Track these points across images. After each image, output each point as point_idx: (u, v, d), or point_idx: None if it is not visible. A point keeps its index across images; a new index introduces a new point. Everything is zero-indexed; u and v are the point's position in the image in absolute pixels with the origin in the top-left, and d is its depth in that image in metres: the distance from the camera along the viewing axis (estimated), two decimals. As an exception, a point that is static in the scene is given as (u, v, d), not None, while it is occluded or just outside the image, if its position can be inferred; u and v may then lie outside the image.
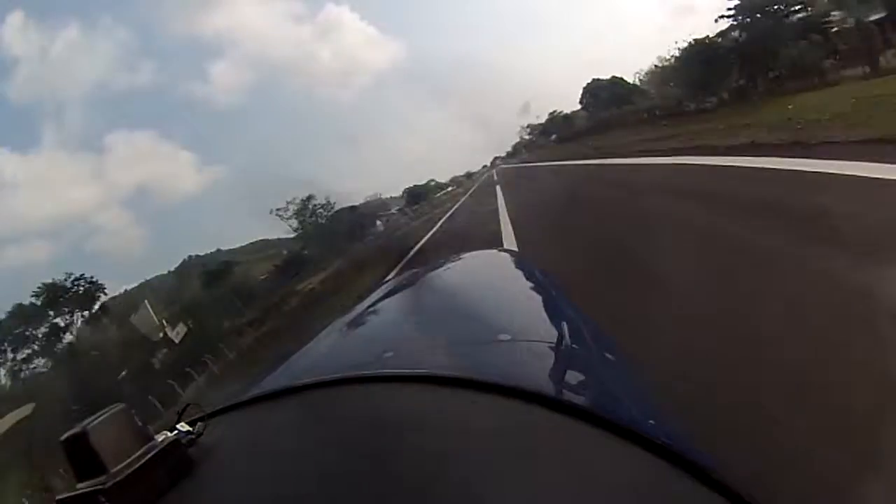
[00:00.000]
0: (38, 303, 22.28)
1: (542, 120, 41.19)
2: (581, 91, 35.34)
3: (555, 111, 39.51)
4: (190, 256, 29.16)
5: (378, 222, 34.24)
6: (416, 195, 38.55)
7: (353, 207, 33.67)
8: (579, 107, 36.58)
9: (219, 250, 30.35)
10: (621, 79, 33.30)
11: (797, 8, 17.50)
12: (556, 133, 39.27)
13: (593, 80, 34.88)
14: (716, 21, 19.14)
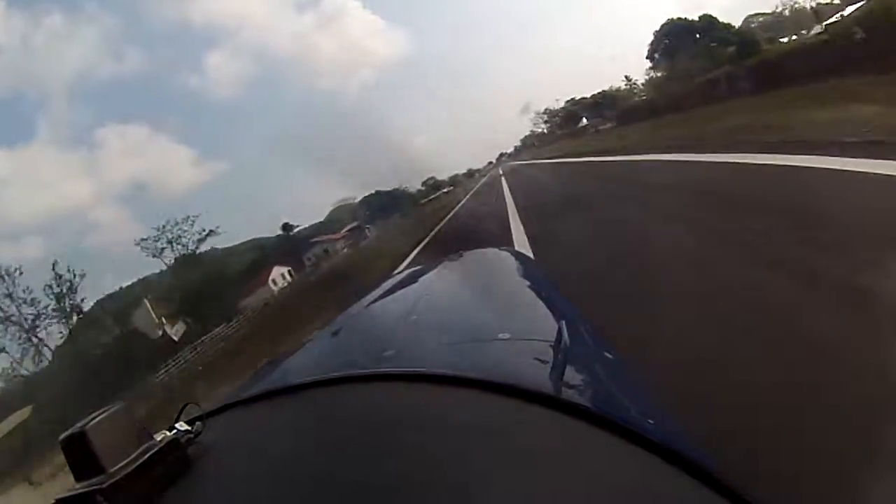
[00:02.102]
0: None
1: (560, 104, 31.42)
2: (650, 43, 23.01)
3: (573, 98, 30.14)
4: (184, 255, 28.21)
5: (276, 276, 20.67)
6: (384, 206, 23.57)
7: (287, 226, 22.36)
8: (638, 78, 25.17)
9: (213, 248, 29.32)
10: (715, 18, 20.70)
11: None
12: (590, 115, 29.12)
13: (671, 20, 22.78)
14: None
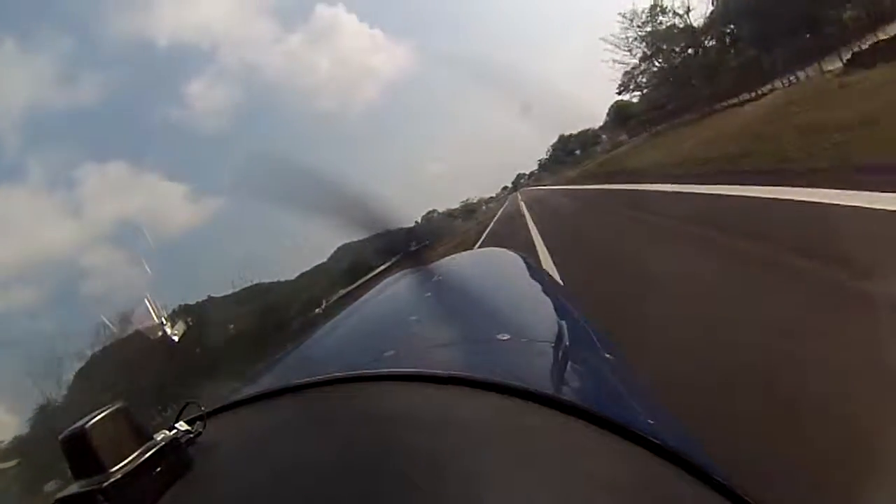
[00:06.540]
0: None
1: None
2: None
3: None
4: (180, 306, 26.28)
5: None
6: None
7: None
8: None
9: (210, 297, 27.78)
10: None
11: None
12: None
13: None
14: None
